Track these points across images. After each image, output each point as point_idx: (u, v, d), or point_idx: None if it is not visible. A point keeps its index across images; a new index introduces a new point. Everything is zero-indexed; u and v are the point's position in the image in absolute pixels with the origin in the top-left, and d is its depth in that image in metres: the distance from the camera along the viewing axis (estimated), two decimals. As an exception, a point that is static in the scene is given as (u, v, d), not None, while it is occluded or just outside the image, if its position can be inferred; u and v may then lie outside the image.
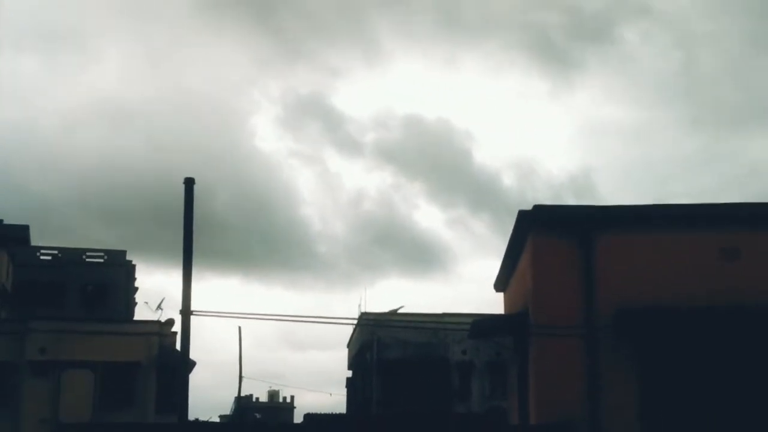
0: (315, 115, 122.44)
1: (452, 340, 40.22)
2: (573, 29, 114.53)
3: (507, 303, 20.65)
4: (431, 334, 39.55)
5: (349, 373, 49.48)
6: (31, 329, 34.97)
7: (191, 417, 22.26)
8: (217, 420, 58.76)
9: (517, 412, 18.31)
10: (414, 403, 39.14)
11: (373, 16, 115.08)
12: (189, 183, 15.63)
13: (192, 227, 15.48)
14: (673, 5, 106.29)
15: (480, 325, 18.98)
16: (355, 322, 38.00)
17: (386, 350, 40.81)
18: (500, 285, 20.98)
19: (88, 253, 49.17)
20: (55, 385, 34.40)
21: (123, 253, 49.79)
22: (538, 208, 15.97)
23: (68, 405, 33.76)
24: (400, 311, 42.46)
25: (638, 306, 15.18)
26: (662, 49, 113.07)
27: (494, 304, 25.18)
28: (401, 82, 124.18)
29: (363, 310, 42.18)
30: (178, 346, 19.30)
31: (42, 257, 48.14)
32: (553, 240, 15.79)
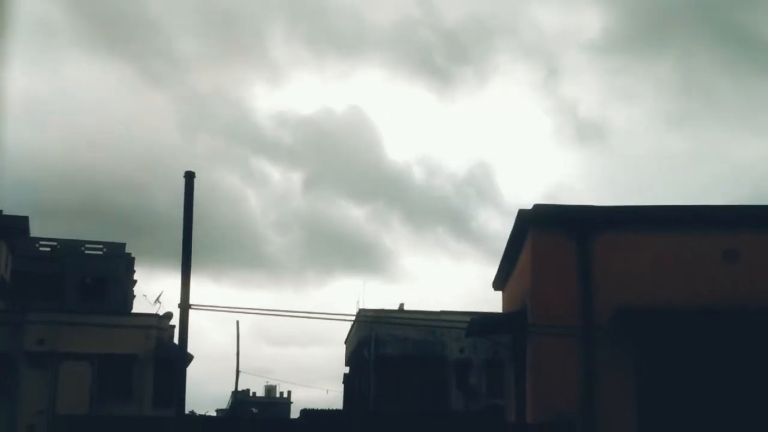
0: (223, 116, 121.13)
1: (450, 338, 40.21)
2: (450, 47, 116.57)
3: (505, 301, 20.65)
4: (429, 331, 39.53)
5: (347, 370, 49.50)
6: (29, 321, 35.00)
7: (188, 411, 22.30)
8: (214, 414, 58.81)
9: (514, 411, 18.32)
10: (411, 400, 39.16)
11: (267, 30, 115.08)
12: (189, 177, 15.61)
13: (191, 222, 15.47)
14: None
15: (478, 323, 18.99)
16: (353, 318, 37.99)
17: (384, 347, 40.81)
18: (499, 283, 20.99)
19: (87, 245, 49.13)
20: (52, 376, 34.42)
21: (122, 245, 49.76)
22: (538, 207, 15.97)
23: (66, 397, 33.79)
24: (398, 309, 42.51)
25: (637, 306, 15.18)
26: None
27: (493, 302, 25.23)
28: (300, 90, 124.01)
29: (361, 307, 42.20)
30: (176, 340, 19.32)
31: (41, 249, 48.12)
32: (552, 239, 15.78)
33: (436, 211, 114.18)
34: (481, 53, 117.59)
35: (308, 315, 16.24)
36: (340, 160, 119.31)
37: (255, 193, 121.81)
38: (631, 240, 15.73)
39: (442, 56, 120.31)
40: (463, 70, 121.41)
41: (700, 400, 15.08)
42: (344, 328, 49.97)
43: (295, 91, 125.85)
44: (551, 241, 15.77)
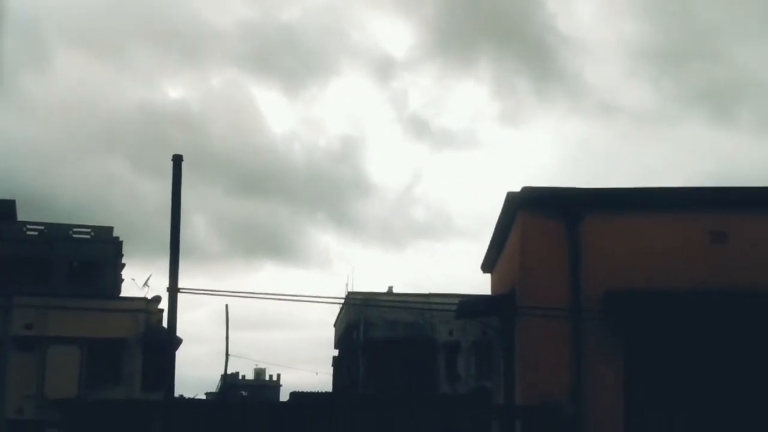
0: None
1: (439, 321, 40.33)
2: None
3: (494, 284, 20.69)
4: (418, 314, 39.64)
5: (336, 352, 49.59)
6: (17, 305, 34.89)
7: (177, 394, 22.29)
8: (203, 397, 58.86)
9: (502, 393, 18.39)
10: (400, 382, 39.28)
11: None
12: (177, 160, 15.54)
13: (180, 205, 15.41)
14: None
15: (467, 305, 19.03)
16: (342, 301, 38.03)
17: (373, 330, 40.90)
18: (487, 266, 21.02)
19: (74, 229, 48.96)
20: (41, 360, 34.38)
21: (110, 229, 49.62)
22: (527, 190, 15.97)
23: (54, 381, 33.76)
24: (388, 291, 42.58)
25: (626, 288, 15.22)
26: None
27: (482, 284, 25.29)
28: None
29: (350, 289, 42.25)
30: (164, 323, 19.28)
31: (28, 233, 47.92)
32: (541, 221, 15.79)
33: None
34: (319, 52, 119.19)
35: (297, 298, 16.22)
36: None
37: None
38: (619, 222, 15.75)
39: (284, 54, 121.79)
40: (303, 69, 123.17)
41: (688, 382, 15.16)
42: (333, 312, 49.98)
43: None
44: (540, 224, 15.79)
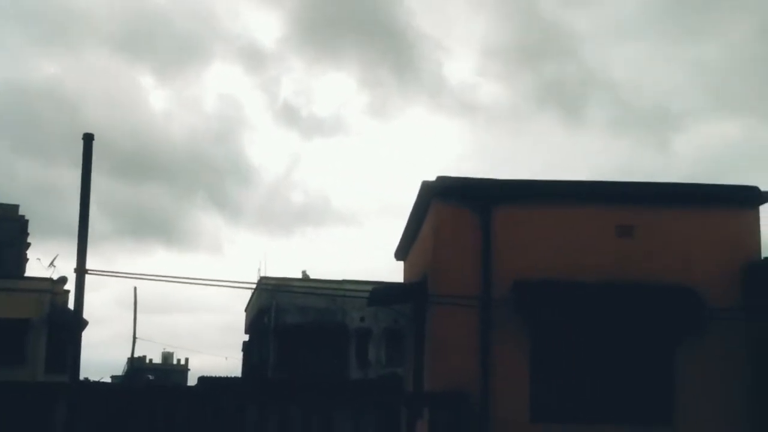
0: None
1: (351, 307, 40.42)
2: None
3: (407, 271, 20.85)
4: (330, 300, 39.66)
5: (246, 337, 49.28)
6: None
7: (82, 377, 21.87)
8: (109, 380, 57.85)
9: (411, 380, 18.56)
10: (311, 368, 39.27)
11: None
12: (88, 138, 15.22)
13: (89, 183, 15.09)
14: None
15: (379, 292, 19.12)
16: (254, 286, 37.80)
17: (284, 315, 40.76)
18: (401, 253, 21.16)
19: (-22, 207, 47.45)
20: (-61, 340, 33.32)
21: (15, 207, 48.22)
22: (441, 179, 16.11)
23: (-47, 361, 32.74)
24: (301, 277, 42.46)
25: (535, 278, 15.52)
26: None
27: (394, 272, 25.48)
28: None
29: (263, 274, 42.01)
30: (71, 305, 18.87)
31: (-71, 210, 46.25)
32: (454, 211, 15.96)
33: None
34: (192, 38, 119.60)
35: (209, 282, 16.06)
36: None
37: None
38: (530, 213, 16.03)
39: (158, 38, 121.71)
40: (177, 53, 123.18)
41: (593, 372, 15.55)
42: (237, 297, 49.65)
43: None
44: (453, 213, 15.95)
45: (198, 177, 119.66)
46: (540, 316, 15.59)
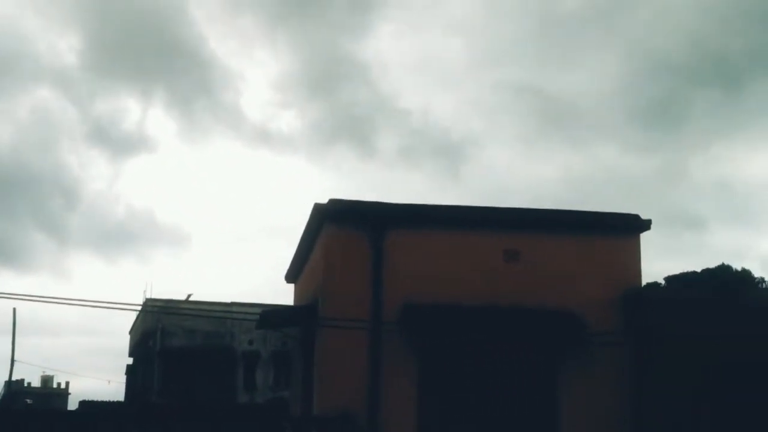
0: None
1: (239, 330, 39.89)
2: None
3: (297, 294, 20.72)
4: (218, 323, 39.04)
5: (130, 360, 48.03)
6: None
7: (-46, 401, 20.85)
8: (-16, 405, 55.44)
9: (299, 403, 18.41)
10: (198, 392, 38.53)
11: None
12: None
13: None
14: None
15: (269, 315, 18.95)
16: (139, 308, 36.94)
17: (171, 338, 39.93)
18: (291, 276, 21.03)
19: None
20: None
21: None
22: (333, 202, 16.11)
23: None
24: (189, 299, 41.66)
25: (424, 302, 15.62)
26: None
27: (285, 294, 25.27)
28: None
29: (148, 296, 41.08)
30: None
31: None
32: (345, 234, 15.97)
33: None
34: None
35: (92, 304, 15.64)
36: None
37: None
38: (420, 237, 16.16)
39: None
40: None
41: (477, 393, 15.73)
42: (129, 318, 48.47)
43: None
44: (344, 236, 15.96)
45: (22, 195, 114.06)
46: (428, 340, 15.70)
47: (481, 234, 16.36)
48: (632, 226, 16.72)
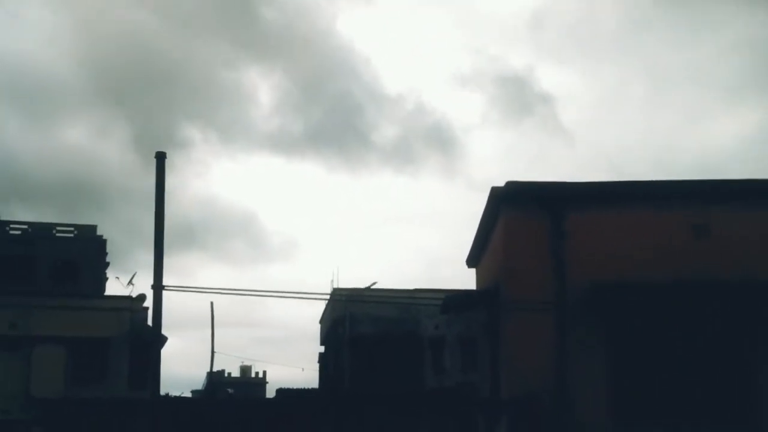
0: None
1: (424, 315, 40.32)
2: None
3: (479, 278, 20.75)
4: (403, 309, 39.60)
5: (322, 349, 49.56)
6: (1, 304, 34.69)
7: (163, 392, 22.22)
8: (189, 395, 58.75)
9: (488, 386, 18.45)
10: (385, 378, 39.30)
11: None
12: (161, 157, 15.53)
13: (163, 201, 15.38)
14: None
15: (452, 300, 19.08)
16: (328, 297, 38.04)
17: (358, 325, 40.86)
18: (472, 261, 21.07)
19: (58, 228, 48.71)
20: (25, 360, 34.21)
21: (93, 227, 49.38)
22: (510, 185, 16.01)
23: (39, 380, 33.60)
24: (373, 287, 42.51)
25: (609, 282, 15.29)
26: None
27: (468, 279, 25.36)
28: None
29: (335, 286, 42.22)
30: (150, 321, 19.23)
31: (11, 232, 47.64)
32: (524, 216, 15.85)
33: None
34: None
35: (283, 294, 16.22)
36: None
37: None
38: (602, 216, 15.82)
39: None
40: None
41: (670, 373, 15.26)
42: (317, 308, 49.93)
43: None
44: (523, 218, 15.84)
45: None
46: (616, 319, 15.36)
47: (666, 210, 15.81)
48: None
